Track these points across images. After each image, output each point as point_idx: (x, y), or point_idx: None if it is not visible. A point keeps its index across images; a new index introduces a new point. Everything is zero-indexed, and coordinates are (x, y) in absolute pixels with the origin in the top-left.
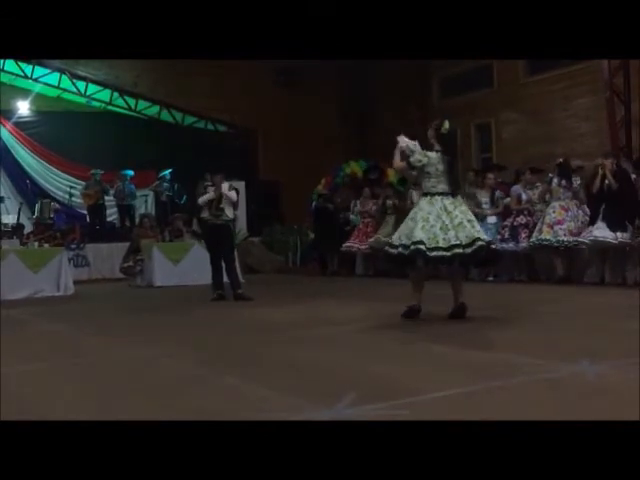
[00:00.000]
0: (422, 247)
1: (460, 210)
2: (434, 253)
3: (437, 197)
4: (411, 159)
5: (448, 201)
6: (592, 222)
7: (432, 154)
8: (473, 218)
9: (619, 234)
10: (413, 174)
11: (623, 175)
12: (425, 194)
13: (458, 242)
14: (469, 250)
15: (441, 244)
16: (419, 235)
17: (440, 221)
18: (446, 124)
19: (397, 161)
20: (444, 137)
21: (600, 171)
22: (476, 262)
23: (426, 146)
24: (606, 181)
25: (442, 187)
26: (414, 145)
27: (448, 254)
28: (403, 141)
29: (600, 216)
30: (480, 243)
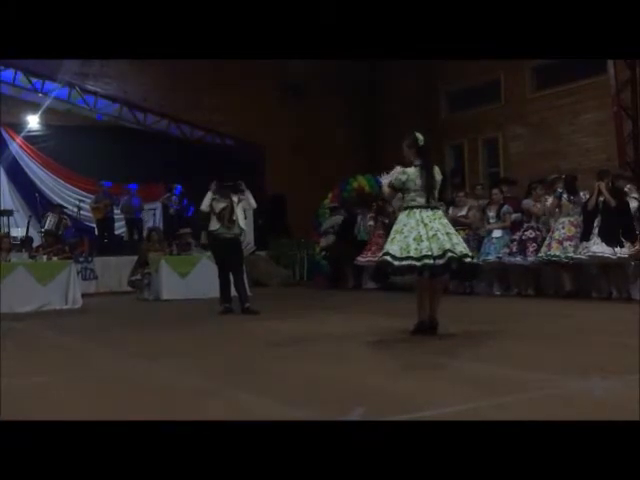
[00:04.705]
0: (388, 258)
1: (439, 222)
2: (403, 262)
3: (415, 210)
4: (393, 182)
5: (426, 214)
6: (586, 238)
7: (410, 169)
8: (452, 231)
9: (617, 249)
10: (399, 195)
11: (618, 193)
12: (405, 208)
13: (430, 253)
14: (440, 261)
15: (412, 254)
16: (387, 247)
17: (415, 232)
18: (420, 136)
19: (385, 191)
20: (423, 150)
21: (595, 189)
22: (451, 274)
23: (405, 164)
24: (601, 198)
25: (421, 200)
26: (390, 173)
27: (418, 264)
28: (384, 179)
29: (596, 232)
30: (450, 255)
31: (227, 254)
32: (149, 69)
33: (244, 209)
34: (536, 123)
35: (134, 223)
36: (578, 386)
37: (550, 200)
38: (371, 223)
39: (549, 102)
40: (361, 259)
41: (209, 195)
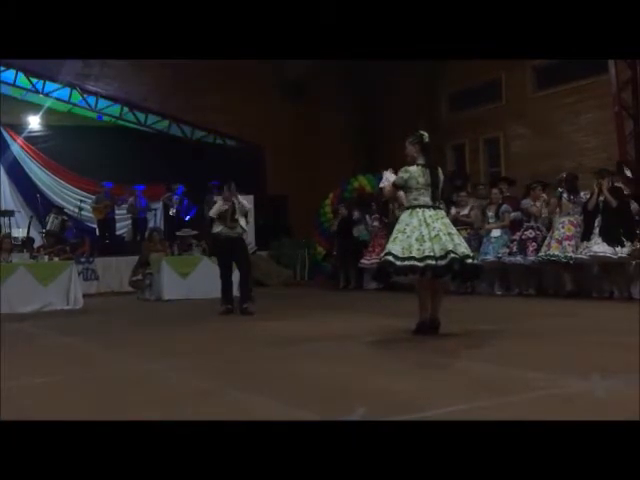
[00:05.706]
0: (390, 257)
1: (441, 222)
2: (405, 262)
3: (418, 209)
4: (395, 181)
5: (429, 213)
6: (586, 238)
7: (412, 168)
8: (454, 231)
9: (618, 249)
10: (401, 194)
11: (619, 193)
12: (407, 207)
13: (432, 254)
14: (442, 262)
15: (414, 254)
16: (389, 247)
17: (417, 232)
18: (425, 133)
19: (386, 191)
20: (427, 147)
21: (596, 188)
22: (453, 275)
23: (407, 163)
24: (601, 197)
25: (423, 199)
26: (391, 171)
27: (420, 264)
28: (385, 179)
29: (597, 231)
30: (452, 256)
31: (232, 254)
32: (150, 69)
33: (244, 213)
34: (537, 122)
35: (139, 223)
36: (578, 386)
37: (551, 200)
38: (376, 224)
39: (550, 101)
40: (365, 262)
41: (220, 202)
